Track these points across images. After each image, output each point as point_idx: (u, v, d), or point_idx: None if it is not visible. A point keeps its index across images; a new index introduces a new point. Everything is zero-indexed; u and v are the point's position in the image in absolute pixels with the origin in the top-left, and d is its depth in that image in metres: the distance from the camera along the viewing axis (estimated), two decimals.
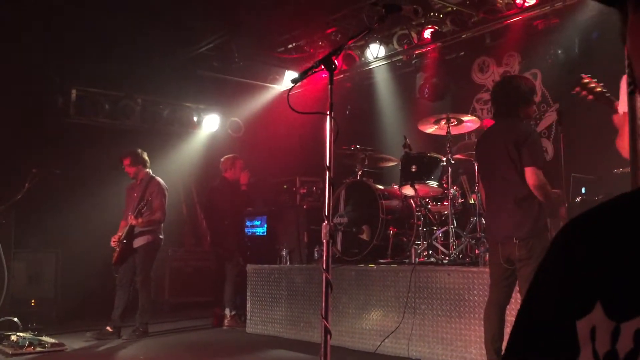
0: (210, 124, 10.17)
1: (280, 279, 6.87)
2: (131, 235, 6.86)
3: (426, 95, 8.36)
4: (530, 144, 4.09)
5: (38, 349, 5.76)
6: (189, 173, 9.87)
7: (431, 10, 7.85)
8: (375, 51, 8.83)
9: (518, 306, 0.94)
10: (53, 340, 6.01)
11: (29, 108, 8.22)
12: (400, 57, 8.80)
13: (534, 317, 0.77)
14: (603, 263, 0.70)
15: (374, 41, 8.73)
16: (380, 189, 6.65)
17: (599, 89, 3.99)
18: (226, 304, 7.52)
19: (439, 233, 6.17)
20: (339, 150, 6.62)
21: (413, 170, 6.09)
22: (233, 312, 7.48)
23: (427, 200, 6.38)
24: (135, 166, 7.10)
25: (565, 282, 0.73)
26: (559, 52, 7.27)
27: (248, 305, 7.21)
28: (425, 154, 6.25)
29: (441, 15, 7.89)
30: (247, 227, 8.70)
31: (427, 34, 8.03)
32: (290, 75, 9.56)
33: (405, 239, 6.51)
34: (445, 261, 5.72)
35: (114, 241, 6.90)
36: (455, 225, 5.89)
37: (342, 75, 9.16)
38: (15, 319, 6.45)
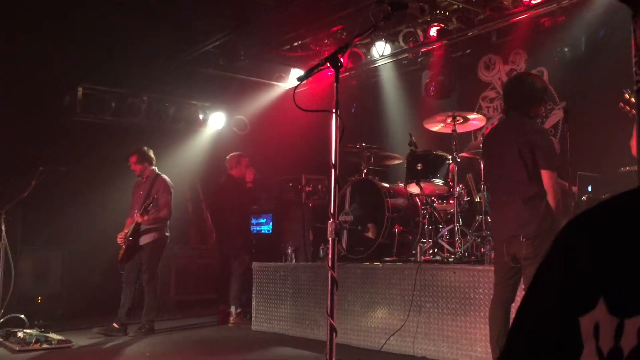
0: (216, 122, 10.18)
1: (285, 276, 6.88)
2: (137, 232, 6.89)
3: (432, 93, 8.34)
4: (545, 145, 4.07)
5: (44, 346, 5.79)
6: (194, 171, 9.89)
7: (437, 8, 7.83)
8: (381, 49, 8.82)
9: None
10: (59, 337, 6.04)
11: (35, 106, 8.25)
12: (406, 55, 8.79)
13: (536, 313, 0.77)
14: (606, 260, 0.70)
15: (379, 39, 8.71)
16: (386, 187, 6.65)
17: None
18: (232, 301, 7.54)
19: (444, 231, 6.16)
20: (344, 148, 6.61)
21: (419, 168, 6.09)
22: (239, 310, 7.49)
23: (433, 198, 6.37)
24: (141, 164, 7.12)
25: (568, 279, 0.73)
26: (566, 49, 7.24)
27: (253, 302, 7.23)
28: (431, 152, 6.24)
29: (447, 13, 7.87)
30: (252, 224, 8.71)
31: (433, 31, 8.01)
32: (296, 73, 9.59)
33: (410, 237, 6.50)
34: (451, 259, 5.72)
35: (120, 238, 6.93)
36: (460, 223, 5.89)
37: (347, 73, 9.15)
38: (22, 316, 6.50)
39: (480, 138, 6.84)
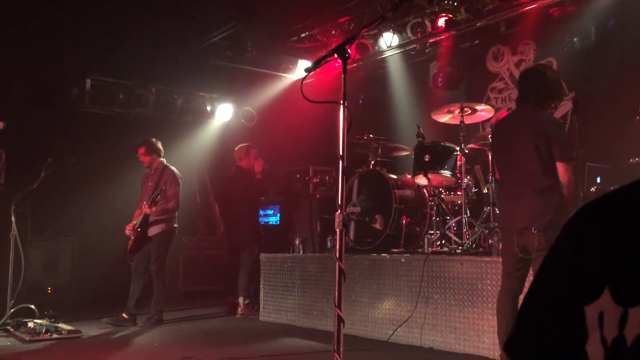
0: (223, 114, 10.19)
1: (293, 267, 6.90)
2: (146, 223, 6.92)
3: (440, 84, 8.31)
4: (562, 137, 4.04)
5: (55, 336, 5.84)
6: (202, 162, 9.91)
7: None
8: (388, 40, 8.79)
9: None
10: (69, 327, 6.08)
11: (44, 98, 8.29)
12: (414, 45, 8.75)
13: (542, 302, 0.77)
14: (613, 249, 0.70)
15: (387, 30, 8.68)
16: (394, 178, 6.64)
17: None
18: (240, 292, 7.57)
19: (452, 223, 6.16)
20: (352, 140, 6.60)
21: (426, 159, 6.08)
22: (247, 301, 7.53)
23: (440, 189, 6.36)
24: (150, 155, 7.15)
25: (574, 268, 0.73)
26: (575, 40, 7.18)
27: (261, 293, 7.26)
28: (439, 143, 6.23)
29: (455, 3, 7.82)
30: (260, 216, 8.74)
31: (441, 22, 7.97)
32: (304, 64, 9.58)
33: (418, 229, 6.50)
34: (459, 251, 5.71)
35: (128, 230, 6.96)
36: (468, 214, 5.88)
37: (355, 65, 9.12)
38: (32, 306, 6.55)
39: (488, 129, 6.81)
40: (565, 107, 7.42)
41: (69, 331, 5.98)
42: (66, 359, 5.03)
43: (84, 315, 7.25)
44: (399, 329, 5.57)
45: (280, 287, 7.02)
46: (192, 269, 9.49)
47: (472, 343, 5.01)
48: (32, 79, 8.04)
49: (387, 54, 9.04)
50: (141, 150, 7.15)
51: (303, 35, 9.08)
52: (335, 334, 2.84)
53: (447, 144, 6.19)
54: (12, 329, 6.15)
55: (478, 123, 7.59)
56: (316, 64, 3.20)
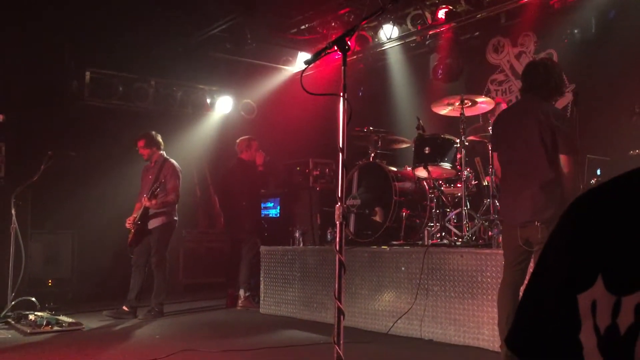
0: (223, 106, 10.17)
1: (293, 260, 6.92)
2: (146, 216, 6.93)
3: (440, 76, 8.29)
4: (567, 130, 4.03)
5: (55, 328, 5.86)
6: (202, 155, 9.91)
7: None
8: (388, 32, 8.76)
9: None
10: (70, 320, 6.10)
11: (44, 91, 8.28)
12: (414, 37, 8.73)
13: (540, 291, 0.77)
14: (607, 238, 0.70)
15: (387, 22, 8.66)
16: (393, 170, 6.64)
17: None
18: (241, 284, 7.58)
19: (452, 215, 6.16)
20: (352, 132, 6.60)
21: (426, 152, 6.07)
22: (247, 293, 7.54)
23: (441, 182, 6.36)
24: (150, 148, 7.14)
25: (569, 257, 0.73)
26: (575, 31, 7.16)
27: (261, 286, 7.27)
28: (439, 135, 6.22)
29: None
30: (261, 208, 8.74)
31: (441, 14, 7.95)
32: (303, 56, 9.56)
33: (418, 221, 6.50)
34: (458, 243, 5.72)
35: (129, 223, 6.97)
36: (468, 207, 5.88)
37: (355, 57, 9.11)
38: (33, 299, 6.57)
39: (481, 122, 6.80)
40: (565, 99, 7.40)
41: (69, 324, 6.00)
42: (67, 351, 5.04)
43: (84, 307, 7.27)
44: (399, 321, 5.58)
45: (281, 279, 7.04)
46: (193, 262, 9.51)
47: (472, 335, 5.02)
48: (32, 72, 8.03)
49: (387, 46, 9.02)
50: (141, 143, 7.15)
51: (303, 27, 9.05)
52: (336, 326, 2.85)
53: (447, 137, 6.18)
54: (13, 322, 6.16)
55: (478, 115, 7.58)
56: (316, 56, 3.19)
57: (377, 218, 6.52)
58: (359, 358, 4.70)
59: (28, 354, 4.99)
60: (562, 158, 3.97)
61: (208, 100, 10.13)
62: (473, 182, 6.17)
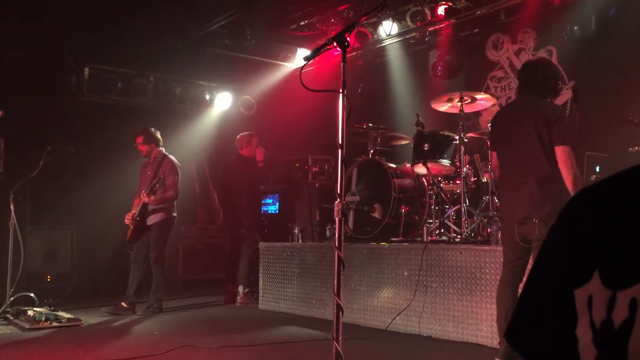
0: (222, 102, 10.16)
1: (292, 256, 6.92)
2: (145, 212, 6.92)
3: (439, 73, 8.29)
4: (562, 122, 4.01)
5: (54, 324, 5.86)
6: (201, 151, 9.90)
7: None
8: (388, 28, 8.74)
9: None
10: (69, 315, 6.11)
11: (42, 86, 8.26)
12: (414, 34, 8.72)
13: (539, 288, 0.78)
14: (604, 233, 0.70)
15: (386, 18, 8.64)
16: (393, 167, 6.63)
17: None
18: (240, 281, 7.59)
19: (451, 211, 6.16)
20: (351, 129, 6.59)
21: (425, 148, 6.07)
22: (246, 290, 7.55)
23: (440, 178, 6.36)
24: (148, 144, 7.13)
25: (567, 253, 0.74)
26: (575, 28, 7.16)
27: (260, 282, 7.28)
28: (438, 132, 6.21)
29: None
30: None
31: (440, 10, 7.94)
32: (303, 53, 9.55)
33: (417, 218, 6.51)
34: (457, 240, 5.72)
35: (127, 219, 6.97)
36: (467, 203, 5.88)
37: (354, 53, 9.09)
38: (32, 295, 6.56)
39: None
40: (565, 95, 7.41)
41: (68, 319, 6.00)
42: (66, 347, 5.04)
43: (83, 303, 7.28)
44: (397, 318, 5.59)
45: (280, 275, 7.04)
46: (192, 258, 9.52)
47: (471, 331, 5.03)
48: (31, 68, 8.01)
49: (386, 43, 9.00)
50: (139, 140, 7.14)
51: (302, 23, 9.04)
52: (334, 323, 2.85)
53: (447, 133, 6.17)
54: (11, 317, 6.17)
55: (478, 112, 7.58)
56: (315, 53, 3.19)
57: (376, 214, 6.52)
58: (357, 354, 4.70)
59: (27, 349, 4.99)
60: (557, 150, 3.93)
61: (207, 97, 10.11)
62: (472, 179, 6.17)
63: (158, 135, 7.22)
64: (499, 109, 5.91)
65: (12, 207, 6.55)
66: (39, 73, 8.15)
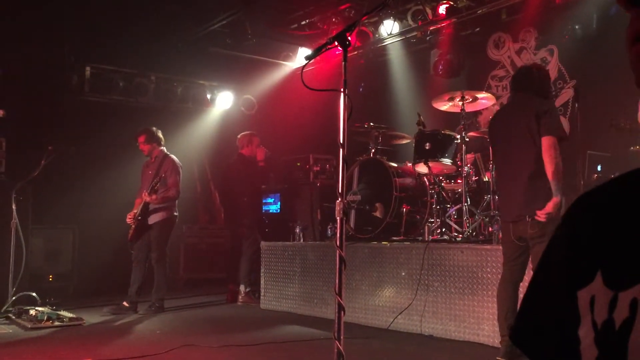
0: (223, 102, 10.17)
1: (293, 256, 6.92)
2: (146, 212, 6.93)
3: (440, 72, 8.28)
4: (551, 114, 4.04)
5: (56, 323, 5.87)
6: (202, 150, 9.91)
7: None
8: (389, 27, 8.74)
9: None
10: (71, 315, 6.12)
11: (44, 86, 8.27)
12: (415, 33, 8.71)
13: (542, 290, 0.79)
14: (607, 235, 0.71)
15: (388, 17, 8.64)
16: (394, 166, 6.63)
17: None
18: (241, 280, 7.59)
19: (452, 211, 6.16)
20: (352, 128, 6.59)
21: (427, 147, 6.06)
22: (248, 289, 7.56)
23: (441, 177, 6.36)
24: (150, 144, 7.14)
25: (571, 254, 0.75)
26: (577, 27, 7.15)
27: (262, 281, 7.28)
28: (439, 131, 6.21)
29: None
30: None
31: (442, 9, 7.93)
32: (304, 52, 9.54)
33: (418, 217, 6.51)
34: (459, 239, 5.72)
35: (129, 218, 6.97)
36: (468, 202, 5.87)
37: (355, 52, 9.09)
38: (34, 294, 6.57)
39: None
40: (566, 95, 7.41)
41: (70, 319, 6.01)
42: (68, 346, 5.05)
43: (85, 302, 7.28)
44: (399, 317, 5.59)
45: (281, 275, 7.04)
46: (193, 257, 9.52)
47: (472, 330, 5.03)
48: (32, 67, 8.02)
49: (387, 42, 9.00)
50: (141, 139, 7.14)
51: (303, 22, 9.04)
52: (336, 322, 2.85)
53: (448, 132, 6.17)
54: (13, 317, 6.17)
55: (478, 111, 7.58)
56: (316, 52, 3.19)
57: (378, 214, 6.52)
58: (359, 354, 4.71)
59: (29, 348, 5.00)
60: (542, 140, 3.95)
61: (208, 96, 10.12)
62: (473, 178, 6.17)
63: (159, 134, 7.23)
64: (499, 108, 5.92)
65: (13, 207, 6.56)
66: (40, 73, 8.16)
